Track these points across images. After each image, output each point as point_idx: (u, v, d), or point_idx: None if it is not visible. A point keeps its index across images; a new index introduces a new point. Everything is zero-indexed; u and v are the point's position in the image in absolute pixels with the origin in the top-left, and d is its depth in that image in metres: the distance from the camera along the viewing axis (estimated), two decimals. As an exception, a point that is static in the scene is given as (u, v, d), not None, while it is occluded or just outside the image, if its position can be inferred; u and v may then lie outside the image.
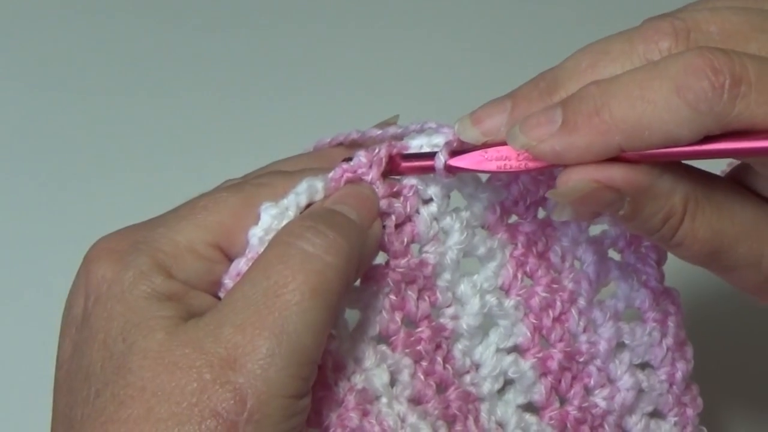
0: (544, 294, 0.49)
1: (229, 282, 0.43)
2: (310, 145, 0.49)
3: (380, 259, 0.46)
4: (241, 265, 0.43)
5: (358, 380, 0.45)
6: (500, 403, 0.49)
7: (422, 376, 0.46)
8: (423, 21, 0.79)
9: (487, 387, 0.49)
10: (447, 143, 0.45)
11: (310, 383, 0.41)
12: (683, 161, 0.43)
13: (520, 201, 0.48)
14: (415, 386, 0.46)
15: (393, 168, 0.46)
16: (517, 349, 0.49)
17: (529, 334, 0.49)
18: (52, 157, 0.75)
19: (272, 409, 0.40)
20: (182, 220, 0.43)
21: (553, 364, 0.49)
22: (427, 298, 0.47)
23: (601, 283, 0.51)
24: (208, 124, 0.76)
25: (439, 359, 0.47)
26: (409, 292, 0.47)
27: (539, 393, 0.49)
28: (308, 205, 0.44)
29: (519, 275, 0.49)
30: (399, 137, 0.47)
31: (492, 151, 0.44)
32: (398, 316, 0.46)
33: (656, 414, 0.52)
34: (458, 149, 0.45)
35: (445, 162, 0.44)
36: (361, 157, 0.45)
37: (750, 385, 0.57)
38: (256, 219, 0.43)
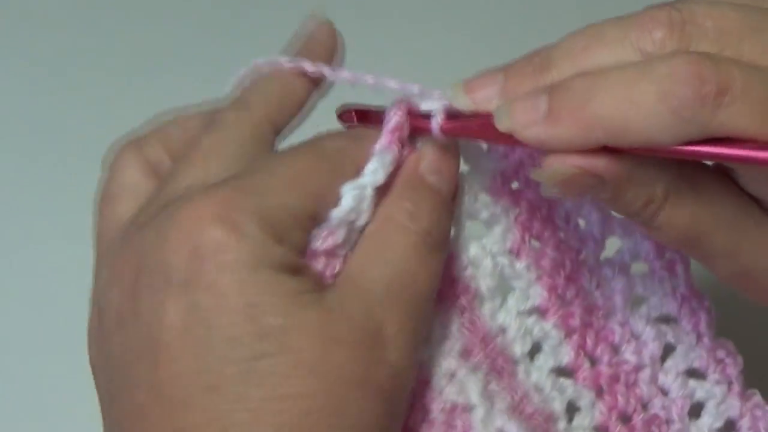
0: (553, 254, 0.50)
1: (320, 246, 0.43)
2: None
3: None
4: (318, 245, 0.43)
5: None
6: (533, 368, 0.49)
7: (466, 330, 0.47)
8: (423, 17, 0.80)
9: (518, 349, 0.49)
10: (445, 107, 0.45)
11: None
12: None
13: (520, 171, 0.49)
14: (464, 337, 0.47)
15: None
16: (537, 311, 0.50)
17: (546, 293, 0.49)
18: (54, 157, 0.76)
19: (408, 380, 0.43)
20: (287, 185, 0.42)
21: (575, 321, 0.50)
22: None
23: (606, 240, 0.51)
24: None
25: (477, 316, 0.48)
26: None
27: (568, 354, 0.49)
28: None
29: (526, 238, 0.49)
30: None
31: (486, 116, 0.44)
32: None
33: (694, 374, 0.52)
34: (455, 114, 0.45)
35: (442, 124, 0.45)
36: (397, 113, 0.45)
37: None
38: (337, 200, 0.43)
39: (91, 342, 0.44)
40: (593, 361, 0.51)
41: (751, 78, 0.40)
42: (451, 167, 0.46)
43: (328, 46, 0.49)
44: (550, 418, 0.49)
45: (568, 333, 0.50)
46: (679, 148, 0.41)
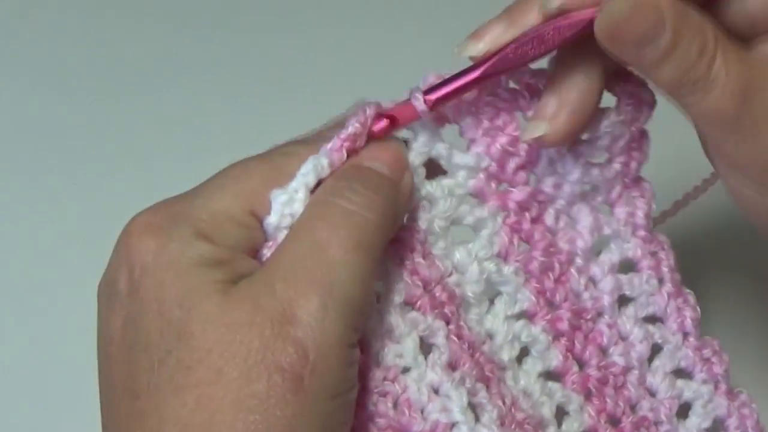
0: (542, 258, 0.49)
1: (266, 253, 0.43)
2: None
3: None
4: (264, 252, 0.43)
5: (385, 356, 0.45)
6: (521, 372, 0.48)
7: (455, 338, 0.46)
8: (423, 17, 0.81)
9: (505, 355, 0.48)
10: (419, 87, 0.45)
11: (359, 334, 0.42)
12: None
13: (506, 165, 0.48)
14: (451, 348, 0.46)
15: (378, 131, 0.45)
16: (525, 315, 0.49)
17: (533, 298, 0.48)
18: (56, 157, 0.75)
19: (332, 359, 0.40)
20: (216, 189, 0.43)
21: (563, 325, 0.49)
22: (430, 263, 0.47)
23: (595, 240, 0.50)
24: (209, 122, 0.76)
25: (463, 323, 0.47)
26: (416, 259, 0.46)
27: (556, 358, 0.49)
28: (318, 183, 0.44)
29: (515, 241, 0.48)
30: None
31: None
32: (417, 281, 0.46)
33: (682, 374, 0.52)
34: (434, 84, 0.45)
35: (424, 99, 0.44)
36: (354, 122, 0.44)
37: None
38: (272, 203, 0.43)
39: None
40: (581, 365, 0.50)
41: None
42: (389, 155, 0.45)
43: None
44: (540, 425, 0.48)
45: (557, 336, 0.49)
46: None
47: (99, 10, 0.84)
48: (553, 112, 0.45)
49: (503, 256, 0.48)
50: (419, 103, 0.45)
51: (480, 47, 0.45)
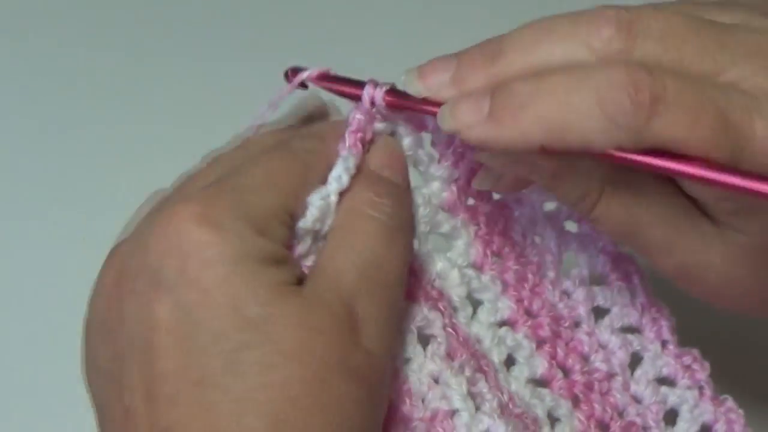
0: (515, 267, 0.50)
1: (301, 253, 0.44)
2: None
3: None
4: (298, 251, 0.44)
5: None
6: (511, 378, 0.49)
7: (451, 330, 0.47)
8: (424, 18, 0.82)
9: (495, 358, 0.49)
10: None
11: None
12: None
13: (472, 182, 0.50)
14: (448, 339, 0.47)
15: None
16: (506, 323, 0.50)
17: (513, 305, 0.50)
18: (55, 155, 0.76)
19: (385, 367, 0.43)
20: (263, 185, 0.43)
21: (545, 332, 0.50)
22: (418, 262, 0.48)
23: (563, 255, 0.52)
24: (210, 124, 0.73)
25: (455, 320, 0.48)
26: None
27: (542, 365, 0.50)
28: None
29: (488, 253, 0.50)
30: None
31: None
32: (409, 273, 0.47)
33: (665, 381, 0.52)
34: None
35: (384, 96, 0.46)
36: (358, 114, 0.47)
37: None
38: (304, 209, 0.44)
39: (83, 359, 0.44)
40: (566, 371, 0.51)
41: (685, 87, 0.42)
42: (399, 163, 0.48)
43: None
44: (536, 422, 0.49)
45: (539, 344, 0.50)
46: (615, 153, 0.43)
47: (102, 4, 0.85)
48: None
49: (479, 266, 0.50)
50: (376, 94, 0.47)
51: (421, 90, 0.46)
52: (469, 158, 0.50)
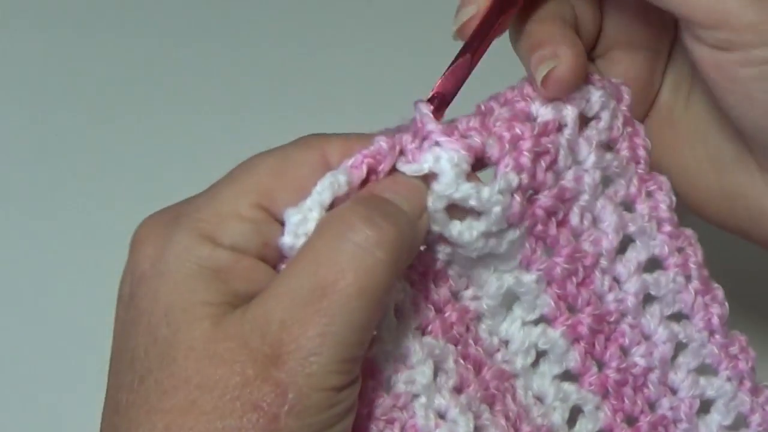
0: (565, 263, 0.47)
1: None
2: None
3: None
4: (281, 267, 0.42)
5: (396, 382, 0.44)
6: (535, 376, 0.48)
7: (462, 361, 0.45)
8: (424, 21, 0.77)
9: (519, 362, 0.48)
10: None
11: (354, 374, 0.41)
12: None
13: (536, 170, 0.45)
14: (458, 372, 0.45)
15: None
16: (543, 320, 0.48)
17: (553, 303, 0.47)
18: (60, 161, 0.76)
19: (313, 400, 0.40)
20: (221, 188, 0.42)
21: (584, 329, 0.48)
22: (442, 284, 0.46)
23: (620, 238, 0.49)
24: (210, 126, 0.76)
25: (471, 341, 0.46)
26: (429, 284, 0.45)
27: (574, 360, 0.48)
28: (331, 205, 0.42)
29: (538, 250, 0.47)
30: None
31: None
32: (430, 305, 0.45)
33: (705, 370, 0.51)
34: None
35: (432, 111, 0.44)
36: (381, 142, 0.43)
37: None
38: (283, 221, 0.42)
39: None
40: (601, 365, 0.49)
41: None
42: (411, 188, 0.43)
43: None
44: None
45: (576, 339, 0.49)
46: None
47: (103, 11, 0.83)
48: (553, 50, 0.45)
49: (525, 266, 0.47)
50: (426, 112, 0.43)
51: (470, 10, 0.45)
52: (527, 147, 0.45)
